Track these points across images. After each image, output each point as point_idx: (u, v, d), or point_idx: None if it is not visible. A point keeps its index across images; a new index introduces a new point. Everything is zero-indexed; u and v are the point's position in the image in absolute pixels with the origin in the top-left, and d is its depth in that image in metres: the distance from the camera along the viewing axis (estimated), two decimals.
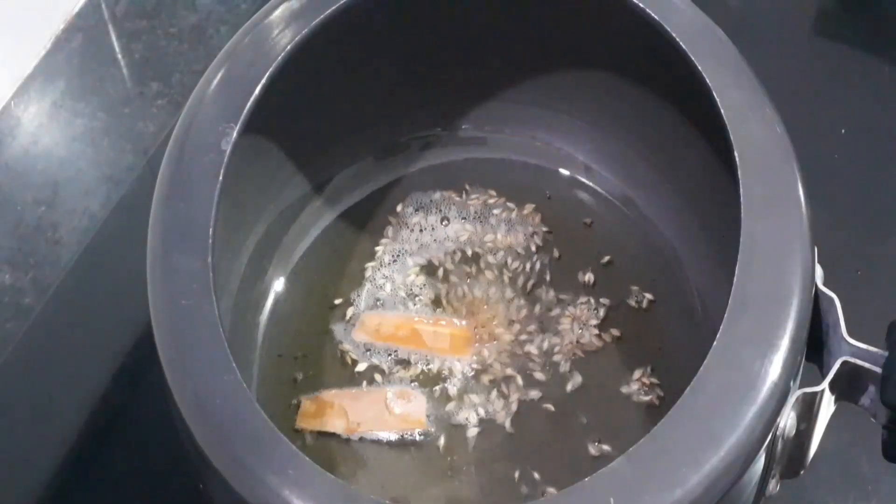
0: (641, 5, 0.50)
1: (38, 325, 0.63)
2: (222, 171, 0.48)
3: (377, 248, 0.60)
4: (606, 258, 0.59)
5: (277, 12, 0.51)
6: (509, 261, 0.60)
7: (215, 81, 0.50)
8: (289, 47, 0.50)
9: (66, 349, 0.63)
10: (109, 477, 0.59)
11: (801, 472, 0.48)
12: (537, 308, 0.58)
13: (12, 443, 0.60)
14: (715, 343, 0.43)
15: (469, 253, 0.60)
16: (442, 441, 0.55)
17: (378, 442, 0.55)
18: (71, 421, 0.60)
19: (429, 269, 0.60)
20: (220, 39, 0.71)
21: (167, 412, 0.45)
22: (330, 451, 0.55)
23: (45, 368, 0.62)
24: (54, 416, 0.60)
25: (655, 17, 0.50)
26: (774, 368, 0.42)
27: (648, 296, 0.58)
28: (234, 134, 0.48)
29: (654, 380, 0.56)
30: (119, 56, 0.71)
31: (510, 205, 0.61)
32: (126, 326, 0.61)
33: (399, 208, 0.61)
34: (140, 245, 0.48)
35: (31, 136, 0.69)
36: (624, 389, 0.56)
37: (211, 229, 0.46)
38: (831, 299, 0.45)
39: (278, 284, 0.59)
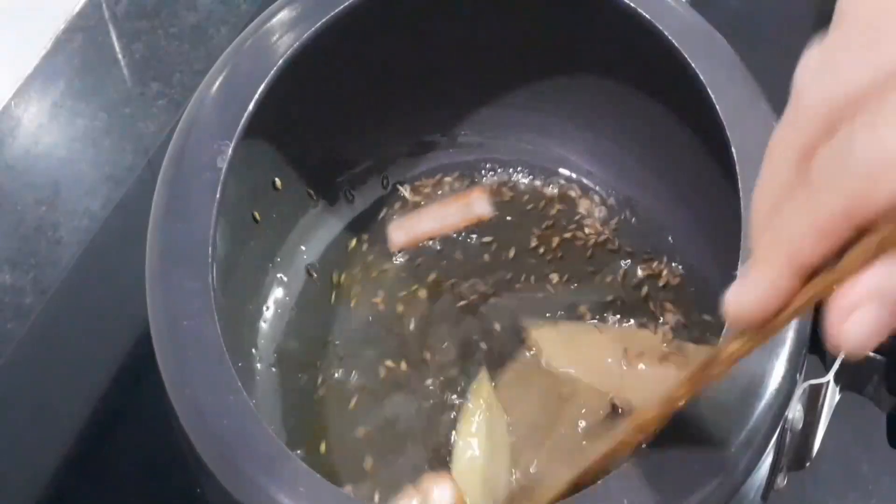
0: (633, 6, 0.50)
1: (39, 325, 0.63)
2: (219, 189, 0.48)
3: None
4: (605, 259, 0.59)
5: (271, 24, 0.52)
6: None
7: (209, 97, 0.50)
8: (280, 61, 0.50)
9: (66, 349, 0.63)
10: (109, 477, 0.59)
11: (807, 464, 0.48)
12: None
13: (12, 443, 0.60)
14: (720, 341, 0.42)
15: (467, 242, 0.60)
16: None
17: None
18: (71, 421, 0.60)
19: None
20: (221, 39, 0.71)
21: (167, 412, 0.45)
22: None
23: (46, 368, 0.62)
24: (54, 416, 0.60)
25: (648, 17, 0.50)
26: (780, 363, 0.42)
27: (649, 295, 0.58)
28: (230, 151, 0.48)
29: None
30: (119, 56, 0.71)
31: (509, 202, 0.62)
32: (126, 326, 0.61)
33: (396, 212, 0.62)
34: (141, 245, 0.48)
35: (32, 136, 0.69)
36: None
37: (210, 248, 0.46)
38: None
39: (278, 293, 0.59)
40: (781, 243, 0.29)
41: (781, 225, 0.29)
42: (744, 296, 0.30)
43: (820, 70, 0.29)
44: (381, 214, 0.62)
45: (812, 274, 0.29)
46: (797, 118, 0.29)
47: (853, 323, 0.28)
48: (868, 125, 0.27)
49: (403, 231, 0.60)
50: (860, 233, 0.28)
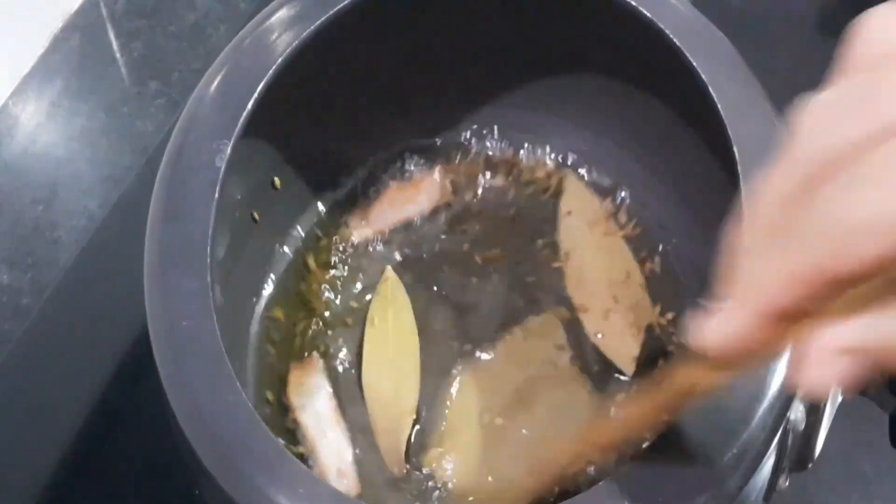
0: (634, 4, 0.50)
1: (37, 325, 0.63)
2: (218, 189, 0.47)
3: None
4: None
5: (270, 22, 0.51)
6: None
7: (208, 96, 0.50)
8: (279, 60, 0.50)
9: (64, 349, 0.63)
10: (108, 478, 0.59)
11: (810, 465, 0.48)
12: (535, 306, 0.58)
13: (11, 443, 0.60)
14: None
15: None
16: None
17: None
18: (70, 421, 0.60)
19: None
20: (219, 38, 0.71)
21: (165, 413, 0.45)
22: None
23: (44, 369, 0.62)
24: (53, 416, 0.60)
25: (649, 15, 0.50)
26: (782, 364, 0.42)
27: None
28: (229, 150, 0.48)
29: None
30: (118, 55, 0.71)
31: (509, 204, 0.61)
32: (124, 326, 0.61)
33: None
34: (139, 245, 0.48)
35: (30, 135, 0.69)
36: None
37: (209, 248, 0.46)
38: None
39: (277, 293, 0.59)
40: (755, 287, 0.29)
41: (758, 269, 0.29)
42: (713, 332, 0.31)
43: (817, 122, 0.29)
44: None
45: (790, 319, 0.29)
46: (788, 167, 0.29)
47: (822, 372, 0.28)
48: (846, 186, 0.27)
49: (364, 224, 0.60)
50: (845, 286, 0.28)
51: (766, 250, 0.29)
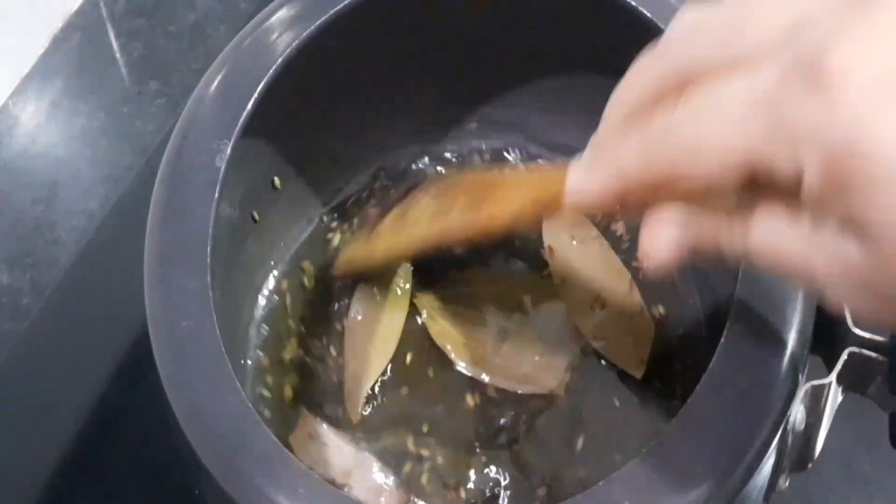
0: (635, 4, 0.50)
1: (37, 325, 0.63)
2: (217, 189, 0.47)
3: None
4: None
5: (270, 22, 0.51)
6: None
7: (208, 96, 0.50)
8: (279, 60, 0.50)
9: (64, 350, 0.63)
10: (108, 477, 0.59)
11: (810, 465, 0.47)
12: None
13: (10, 443, 0.60)
14: (722, 340, 0.42)
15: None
16: None
17: None
18: (70, 421, 0.60)
19: None
20: (219, 38, 0.71)
21: (165, 413, 0.45)
22: None
23: (44, 369, 0.62)
24: (53, 416, 0.60)
25: (650, 15, 0.50)
26: (783, 363, 0.42)
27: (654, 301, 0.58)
28: (229, 150, 0.48)
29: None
30: (118, 55, 0.71)
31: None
32: (124, 326, 0.61)
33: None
34: (139, 245, 0.48)
35: (30, 135, 0.69)
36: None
37: (209, 248, 0.46)
38: None
39: (277, 293, 0.59)
40: (617, 165, 0.33)
41: (621, 150, 0.33)
42: (577, 184, 0.35)
43: (693, 29, 0.31)
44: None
45: (630, 194, 0.33)
46: (660, 60, 0.32)
47: (657, 239, 0.33)
48: (696, 106, 0.30)
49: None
50: (676, 187, 0.31)
51: (631, 137, 0.32)
